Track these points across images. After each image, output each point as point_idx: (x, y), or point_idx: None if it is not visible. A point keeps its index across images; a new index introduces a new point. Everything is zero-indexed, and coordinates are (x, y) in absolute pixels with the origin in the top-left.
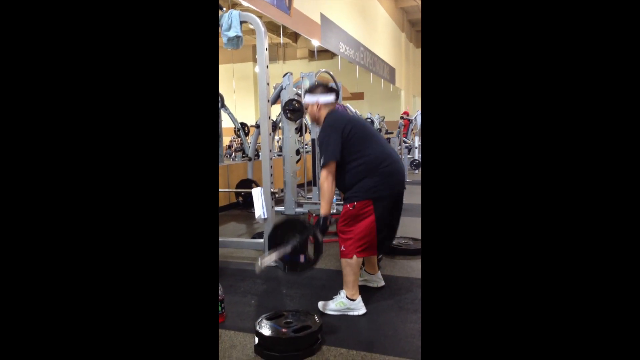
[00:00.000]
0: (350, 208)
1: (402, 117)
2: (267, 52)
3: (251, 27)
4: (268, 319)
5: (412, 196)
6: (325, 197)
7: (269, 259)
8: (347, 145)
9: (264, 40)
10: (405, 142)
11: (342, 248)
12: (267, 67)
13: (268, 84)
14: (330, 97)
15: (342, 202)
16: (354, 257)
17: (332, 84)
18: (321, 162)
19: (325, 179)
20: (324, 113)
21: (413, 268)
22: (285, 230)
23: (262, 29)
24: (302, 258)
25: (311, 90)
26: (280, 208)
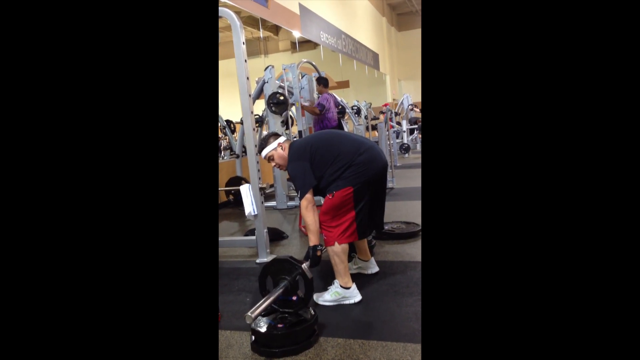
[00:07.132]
0: (330, 197)
1: (381, 112)
2: (244, 46)
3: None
4: (263, 315)
5: (403, 180)
6: (311, 228)
7: (261, 310)
8: (315, 163)
9: (240, 35)
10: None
11: (325, 237)
12: (245, 61)
13: (248, 78)
14: (282, 137)
15: None
16: (336, 244)
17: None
18: (299, 195)
19: (306, 209)
20: (287, 150)
21: (407, 252)
22: (273, 272)
23: (237, 22)
24: (294, 298)
25: (265, 143)
26: (271, 203)
